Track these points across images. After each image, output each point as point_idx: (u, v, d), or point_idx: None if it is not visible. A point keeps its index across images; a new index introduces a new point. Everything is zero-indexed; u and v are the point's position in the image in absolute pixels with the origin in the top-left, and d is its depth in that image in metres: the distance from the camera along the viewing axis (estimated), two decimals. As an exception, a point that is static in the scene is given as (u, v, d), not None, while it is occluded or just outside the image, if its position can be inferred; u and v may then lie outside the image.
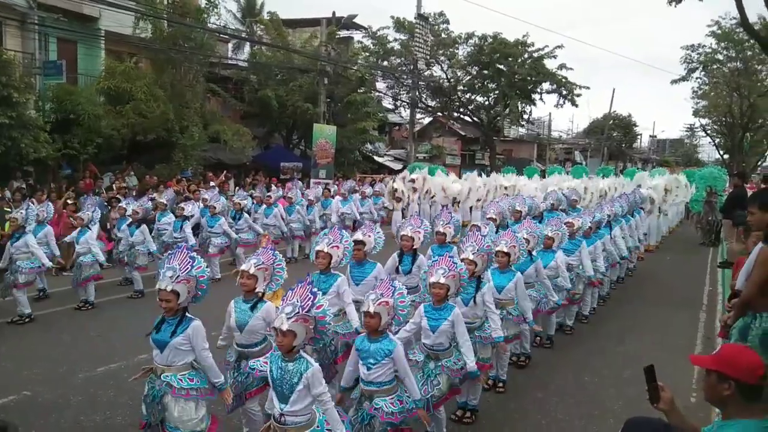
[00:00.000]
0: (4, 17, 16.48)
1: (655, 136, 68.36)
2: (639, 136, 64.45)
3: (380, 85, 33.47)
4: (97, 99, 17.42)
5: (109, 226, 11.69)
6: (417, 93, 31.74)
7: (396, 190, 17.97)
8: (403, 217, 17.32)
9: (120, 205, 11.08)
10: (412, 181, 18.91)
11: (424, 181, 18.98)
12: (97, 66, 18.64)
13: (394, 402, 4.10)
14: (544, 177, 23.61)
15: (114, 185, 14.93)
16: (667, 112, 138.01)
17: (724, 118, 40.66)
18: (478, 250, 5.45)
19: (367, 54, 31.86)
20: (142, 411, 4.24)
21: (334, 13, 27.00)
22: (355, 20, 30.94)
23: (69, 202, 12.01)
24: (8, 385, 6.12)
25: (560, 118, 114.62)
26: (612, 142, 54.42)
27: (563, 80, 33.34)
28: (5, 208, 10.98)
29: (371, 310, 4.07)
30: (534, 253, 7.01)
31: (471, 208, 18.45)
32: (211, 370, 4.17)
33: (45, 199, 11.36)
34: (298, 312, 3.58)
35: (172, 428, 4.06)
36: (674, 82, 35.31)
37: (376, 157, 33.05)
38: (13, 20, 16.69)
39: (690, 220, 22.26)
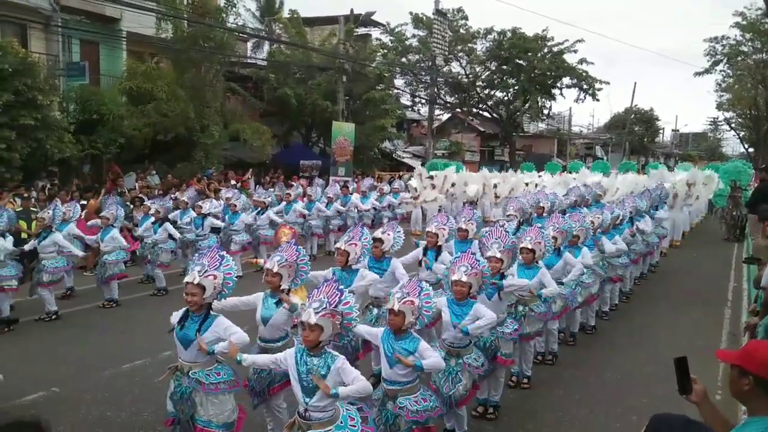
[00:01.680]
0: (29, 20, 16.76)
1: (678, 130, 67.36)
2: (661, 131, 63.70)
3: (398, 81, 33.48)
4: (120, 99, 17.64)
5: (131, 225, 11.84)
6: (435, 89, 31.66)
7: (414, 188, 17.95)
8: (423, 214, 17.32)
9: (144, 203, 11.24)
10: (431, 177, 18.86)
11: (445, 179, 18.86)
12: (119, 67, 18.88)
13: (418, 400, 4.10)
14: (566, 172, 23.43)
15: (137, 184, 15.13)
16: (689, 105, 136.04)
17: (748, 111, 39.95)
18: (504, 247, 5.45)
19: (386, 51, 31.84)
20: (168, 408, 4.30)
21: (352, 10, 27.06)
22: (373, 17, 30.97)
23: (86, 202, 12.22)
24: (37, 381, 6.25)
25: (581, 112, 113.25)
26: (634, 136, 53.78)
27: (583, 75, 33.02)
28: (31, 208, 11.19)
29: (396, 308, 4.08)
30: (561, 248, 6.97)
31: (490, 203, 18.38)
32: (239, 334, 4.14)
33: (69, 198, 11.54)
34: (326, 307, 3.63)
35: (204, 422, 4.11)
36: (697, 74, 34.84)
37: (394, 155, 33.03)
38: (38, 23, 16.97)
39: (714, 215, 21.92)
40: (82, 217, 10.62)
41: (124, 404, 5.77)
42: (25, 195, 11.98)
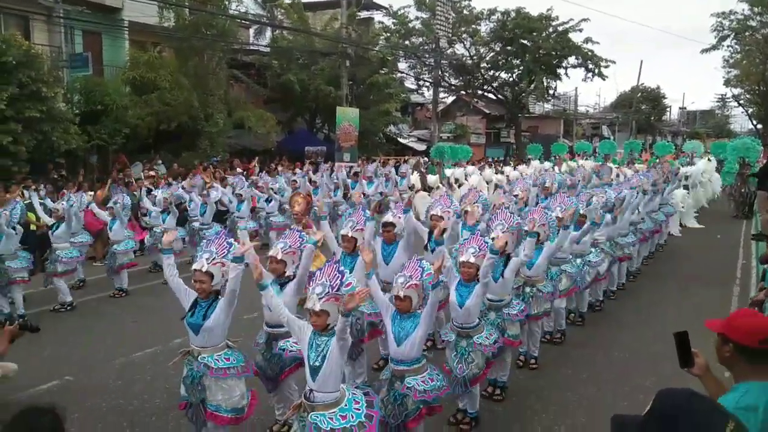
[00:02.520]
0: (32, 12, 16.74)
1: (685, 108, 66.62)
2: (668, 109, 63.09)
3: (402, 65, 33.23)
4: (123, 89, 17.64)
5: (139, 215, 11.91)
6: (440, 72, 31.44)
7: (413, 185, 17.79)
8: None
9: (152, 192, 11.30)
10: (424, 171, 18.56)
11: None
12: (122, 57, 18.85)
13: (425, 380, 4.15)
14: (572, 153, 23.29)
15: (143, 174, 15.18)
16: (697, 82, 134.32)
17: (757, 87, 39.40)
18: (507, 228, 5.45)
19: (389, 34, 31.61)
20: (181, 392, 4.36)
21: (354, -6, 26.81)
22: (376, 0, 30.70)
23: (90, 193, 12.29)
24: (50, 370, 6.35)
25: (587, 92, 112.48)
26: (640, 115, 53.30)
27: (589, 54, 32.68)
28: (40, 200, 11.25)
29: (401, 294, 4.12)
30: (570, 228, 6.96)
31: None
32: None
33: (75, 189, 11.60)
34: (329, 291, 3.68)
35: (214, 407, 4.17)
36: (704, 51, 34.47)
37: (399, 139, 32.92)
38: (40, 15, 16.95)
39: (722, 192, 21.80)
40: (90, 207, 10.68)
41: (136, 392, 5.85)
42: (34, 187, 12.05)
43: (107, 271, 9.73)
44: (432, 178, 17.98)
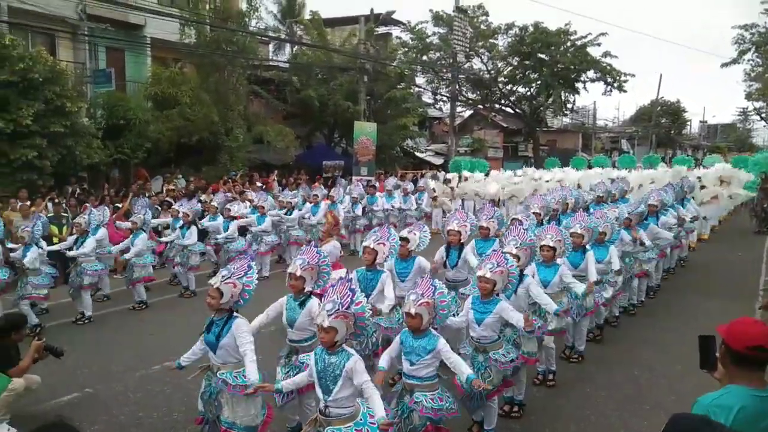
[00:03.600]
0: (57, 29, 17.14)
1: (706, 122, 66.04)
2: (688, 123, 62.50)
3: (420, 80, 33.37)
4: (145, 105, 17.93)
5: (159, 229, 12.05)
6: (457, 86, 31.51)
7: (433, 190, 17.89)
8: (444, 214, 17.28)
9: (173, 207, 11.45)
10: (448, 180, 18.72)
11: (459, 181, 18.69)
12: (144, 72, 19.20)
13: (434, 398, 4.16)
14: (590, 168, 23.15)
15: (164, 188, 15.39)
16: (717, 96, 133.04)
17: (779, 101, 38.98)
18: (521, 244, 5.46)
19: (406, 49, 31.80)
20: (199, 407, 4.40)
21: (372, 10, 27.06)
22: (394, 16, 30.94)
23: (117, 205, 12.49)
24: (71, 382, 6.44)
25: (606, 106, 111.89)
26: (660, 129, 52.86)
27: (608, 68, 32.55)
28: (62, 213, 11.48)
29: (412, 311, 4.13)
30: (588, 246, 6.93)
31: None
32: (250, 365, 4.14)
33: (98, 203, 11.80)
34: (338, 309, 3.69)
35: (229, 424, 4.20)
36: (725, 65, 34.04)
37: (416, 153, 32.99)
38: (66, 32, 17.34)
39: (744, 207, 21.47)
40: (113, 220, 10.86)
41: (155, 405, 5.91)
42: (56, 200, 12.29)
43: (126, 284, 9.86)
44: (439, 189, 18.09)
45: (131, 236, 9.79)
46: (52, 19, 16.69)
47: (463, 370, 4.15)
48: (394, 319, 5.76)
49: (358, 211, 14.27)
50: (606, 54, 32.32)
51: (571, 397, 6.03)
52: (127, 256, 9.58)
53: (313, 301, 4.74)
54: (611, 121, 58.37)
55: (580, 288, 6.02)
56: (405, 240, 6.15)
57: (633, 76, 33.29)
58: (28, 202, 11.66)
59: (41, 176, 13.58)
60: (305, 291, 4.76)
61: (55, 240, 10.49)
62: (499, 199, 17.21)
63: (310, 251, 4.95)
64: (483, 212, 7.42)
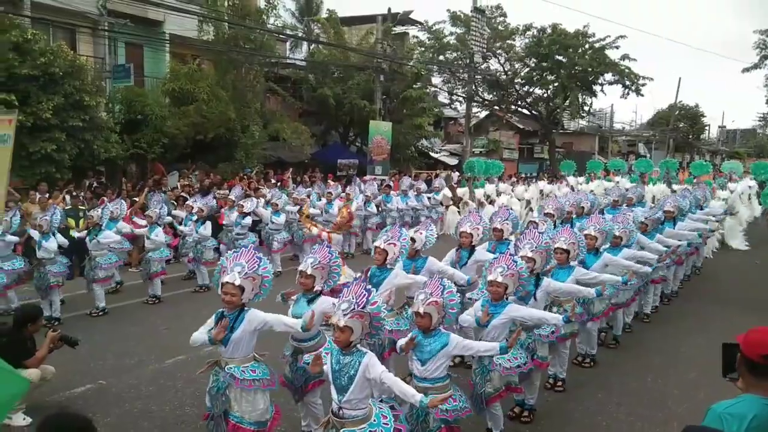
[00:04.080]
0: (78, 24, 17.32)
1: (725, 127, 65.25)
2: (707, 127, 61.76)
3: (436, 80, 33.31)
4: (163, 100, 18.08)
5: (175, 223, 12.15)
6: (473, 87, 31.41)
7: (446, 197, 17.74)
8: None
9: (187, 202, 11.53)
10: (466, 203, 18.43)
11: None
12: (163, 68, 19.36)
13: (447, 400, 4.13)
14: (607, 171, 22.95)
15: (179, 183, 15.51)
16: (737, 101, 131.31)
17: (801, 107, 38.40)
18: (536, 247, 5.43)
19: (423, 49, 31.76)
20: (206, 403, 4.42)
21: (389, 9, 27.08)
22: (411, 15, 30.91)
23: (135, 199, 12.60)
24: (84, 374, 6.50)
25: (623, 109, 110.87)
26: (678, 133, 52.28)
27: (626, 71, 32.27)
28: (79, 206, 11.61)
29: (421, 310, 4.12)
30: (601, 249, 6.89)
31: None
32: (289, 321, 4.36)
33: (115, 197, 11.92)
34: (354, 308, 3.67)
35: (238, 418, 4.20)
36: (745, 70, 33.65)
37: (431, 153, 32.94)
38: (86, 27, 17.53)
39: (764, 216, 21.18)
40: (129, 214, 10.97)
41: (167, 398, 5.96)
42: (74, 193, 12.43)
43: (142, 278, 9.96)
44: (461, 191, 17.90)
45: (147, 230, 9.89)
46: (73, 14, 16.88)
47: (490, 348, 4.27)
48: (404, 318, 5.76)
49: (372, 209, 14.28)
50: (624, 57, 32.06)
51: (582, 403, 5.98)
52: (147, 245, 9.72)
53: (324, 298, 4.75)
54: (628, 125, 57.86)
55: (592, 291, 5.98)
56: (411, 240, 6.18)
57: (651, 79, 32.87)
58: (47, 195, 11.81)
59: (59, 169, 13.73)
60: (315, 289, 4.77)
61: (71, 232, 10.62)
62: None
63: (322, 250, 4.96)
64: (497, 214, 7.39)
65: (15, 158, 12.40)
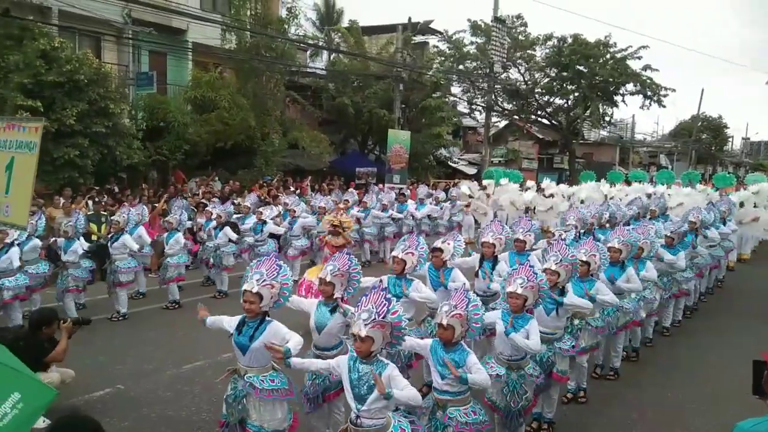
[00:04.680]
0: (103, 33, 17.62)
1: (749, 139, 64.28)
2: (730, 139, 60.90)
3: (455, 89, 33.28)
4: (185, 108, 18.29)
5: (195, 229, 12.25)
6: (493, 96, 31.35)
7: (469, 196, 17.70)
8: (476, 222, 17.10)
9: (207, 209, 11.63)
10: (484, 187, 18.53)
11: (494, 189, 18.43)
12: (185, 76, 19.58)
13: (468, 413, 4.08)
14: (627, 182, 22.71)
15: (200, 190, 15.65)
16: (762, 112, 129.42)
17: (827, 119, 37.71)
18: (561, 261, 5.35)
19: (443, 58, 31.79)
20: (222, 410, 4.42)
21: (410, 18, 27.17)
22: (431, 25, 30.98)
23: (158, 205, 12.73)
24: (103, 378, 6.56)
25: (645, 120, 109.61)
26: (701, 144, 51.64)
27: (648, 81, 31.97)
28: (101, 212, 11.76)
29: (444, 322, 4.07)
30: (625, 262, 6.80)
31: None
32: (294, 339, 4.17)
33: (137, 202, 12.06)
34: (375, 318, 3.65)
35: (256, 427, 4.19)
36: (771, 81, 33.13)
37: (450, 162, 32.90)
38: (111, 35, 17.82)
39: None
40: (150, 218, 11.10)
41: (184, 404, 5.99)
42: (97, 199, 12.61)
43: (159, 282, 10.04)
44: (478, 192, 17.87)
45: (166, 235, 9.99)
46: (98, 23, 17.16)
47: (482, 381, 4.07)
48: (426, 330, 5.72)
49: (388, 217, 14.25)
50: (646, 67, 31.76)
51: (601, 418, 5.90)
52: (166, 250, 9.83)
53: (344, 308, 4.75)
54: (650, 135, 57.29)
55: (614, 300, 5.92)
56: (438, 250, 6.11)
57: (673, 90, 32.50)
58: (71, 200, 11.98)
59: (82, 175, 13.94)
60: (334, 297, 4.77)
61: (94, 237, 10.76)
62: (534, 208, 16.89)
63: (342, 257, 4.95)
64: (519, 225, 7.31)
65: (39, 163, 12.59)
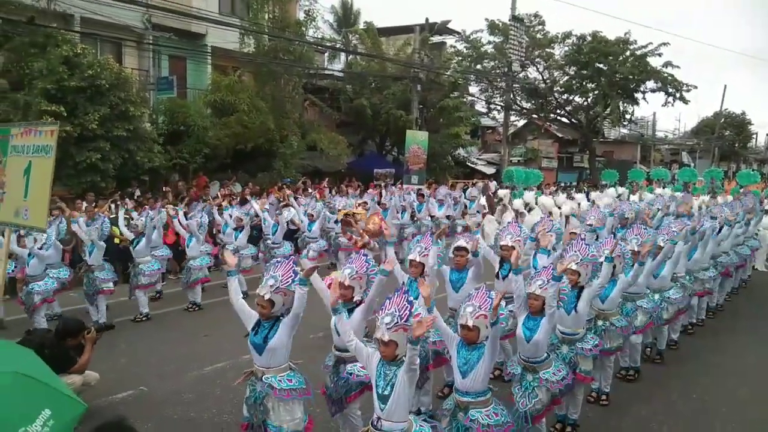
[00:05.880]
0: (124, 38, 17.86)
1: (774, 135, 63.11)
2: (754, 135, 59.83)
3: (473, 89, 33.12)
4: (205, 111, 18.45)
5: (215, 232, 12.34)
6: (511, 95, 31.16)
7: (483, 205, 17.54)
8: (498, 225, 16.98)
9: (225, 212, 11.70)
10: (500, 199, 18.25)
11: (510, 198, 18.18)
12: (204, 80, 19.78)
13: (489, 414, 4.05)
14: (649, 181, 22.44)
15: (220, 193, 15.76)
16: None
17: None
18: (581, 260, 5.29)
19: (460, 58, 31.67)
20: (243, 413, 4.44)
21: (427, 19, 27.10)
22: (449, 25, 30.87)
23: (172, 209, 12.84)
24: (126, 379, 6.63)
25: (666, 117, 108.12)
26: (723, 141, 50.78)
27: (669, 78, 31.53)
28: (124, 215, 11.87)
29: (470, 323, 4.05)
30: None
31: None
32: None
33: (157, 206, 12.16)
34: (397, 322, 3.64)
35: (276, 428, 4.20)
36: (796, 76, 32.49)
37: (468, 162, 32.76)
38: (132, 40, 18.06)
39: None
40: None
41: (206, 405, 6.02)
42: (119, 203, 12.75)
43: (182, 285, 10.13)
44: (502, 192, 17.67)
45: (187, 238, 10.09)
46: (119, 28, 17.39)
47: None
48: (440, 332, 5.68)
49: (407, 218, 14.24)
50: (667, 64, 31.33)
51: (625, 419, 5.82)
52: (188, 252, 9.98)
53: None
54: (671, 133, 56.48)
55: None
56: (463, 249, 5.93)
57: (695, 87, 31.98)
58: (93, 204, 12.13)
59: (104, 178, 14.13)
60: (354, 300, 4.76)
61: (116, 241, 10.88)
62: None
63: (359, 260, 4.93)
64: (540, 224, 7.26)
65: (62, 167, 12.86)
